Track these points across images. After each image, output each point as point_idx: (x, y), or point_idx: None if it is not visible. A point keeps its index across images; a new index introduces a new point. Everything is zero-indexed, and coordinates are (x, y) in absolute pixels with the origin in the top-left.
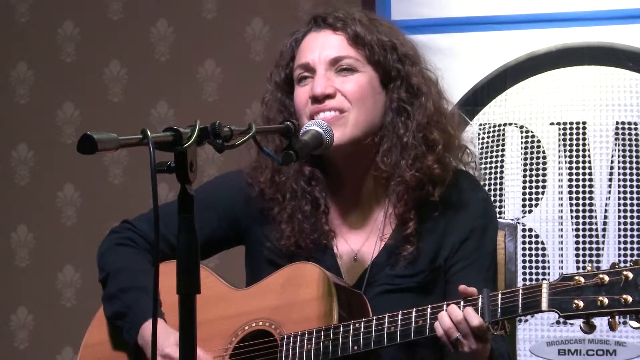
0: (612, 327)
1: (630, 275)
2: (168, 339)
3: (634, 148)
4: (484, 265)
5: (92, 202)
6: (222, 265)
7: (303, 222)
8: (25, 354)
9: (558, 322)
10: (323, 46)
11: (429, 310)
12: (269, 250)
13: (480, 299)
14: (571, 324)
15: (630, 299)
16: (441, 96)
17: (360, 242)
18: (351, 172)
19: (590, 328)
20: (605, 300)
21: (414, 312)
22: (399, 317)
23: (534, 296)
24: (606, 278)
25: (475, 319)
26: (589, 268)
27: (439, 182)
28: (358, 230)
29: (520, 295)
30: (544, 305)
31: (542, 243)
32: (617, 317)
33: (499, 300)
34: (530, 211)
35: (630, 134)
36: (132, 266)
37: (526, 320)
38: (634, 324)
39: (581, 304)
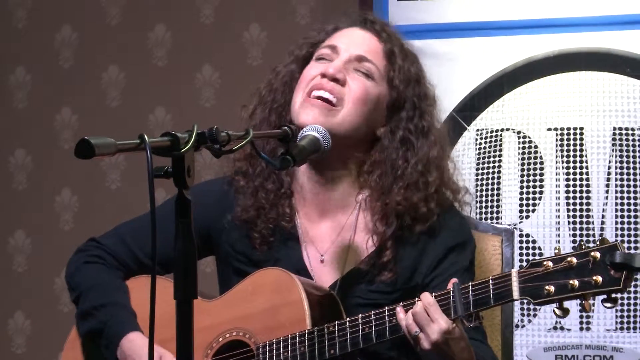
0: (585, 308)
1: (598, 254)
2: (146, 355)
3: (631, 154)
4: (462, 277)
5: (89, 206)
6: (215, 273)
7: (263, 199)
8: (22, 359)
9: (555, 328)
10: (358, 41)
11: (401, 308)
12: (236, 259)
13: (451, 293)
14: (568, 330)
15: (600, 279)
16: (446, 144)
17: (327, 245)
18: (324, 175)
19: (564, 312)
20: (576, 283)
21: (386, 312)
22: (372, 317)
23: (504, 285)
24: (574, 260)
25: (427, 297)
26: (556, 251)
27: (420, 220)
28: (325, 231)
29: (490, 286)
30: (515, 294)
31: (539, 249)
32: (589, 298)
33: (470, 293)
34: (527, 217)
35: (627, 140)
36: (103, 283)
37: (523, 326)
38: (607, 304)
39: (552, 289)
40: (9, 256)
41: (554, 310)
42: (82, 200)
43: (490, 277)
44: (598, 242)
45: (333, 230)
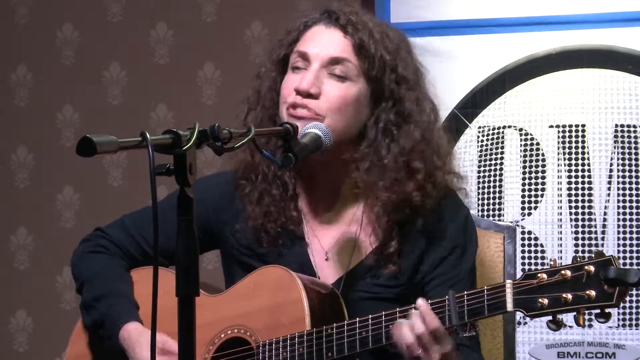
0: (578, 322)
1: (592, 269)
2: (144, 343)
3: (633, 151)
4: (462, 282)
5: (91, 204)
6: (220, 268)
7: (270, 205)
8: (24, 357)
9: None
10: (326, 43)
11: (397, 314)
12: (241, 253)
13: (446, 302)
14: (570, 327)
15: (593, 293)
16: (433, 126)
17: (332, 240)
18: (324, 173)
19: (557, 325)
20: (569, 297)
21: (383, 317)
22: (370, 321)
23: (498, 297)
24: (568, 274)
25: (435, 322)
26: (551, 264)
27: (419, 210)
28: (330, 228)
29: (485, 296)
30: (509, 306)
31: (542, 246)
32: (583, 312)
33: (465, 302)
34: (529, 214)
35: (629, 137)
36: (105, 273)
37: (525, 323)
38: (600, 319)
39: (546, 302)
40: (11, 254)
41: (547, 323)
42: (83, 198)
43: (485, 287)
44: (594, 256)
45: (339, 227)
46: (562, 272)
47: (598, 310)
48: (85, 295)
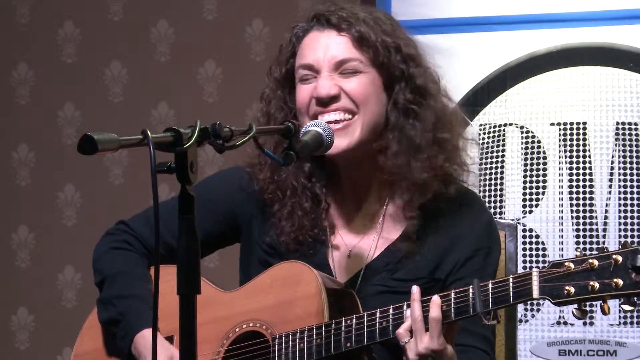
0: (604, 311)
1: (620, 258)
2: (160, 352)
3: (634, 148)
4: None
5: (92, 202)
6: (221, 267)
7: (303, 218)
8: (25, 355)
9: (559, 323)
10: (327, 47)
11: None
12: (262, 250)
13: (470, 289)
14: (571, 324)
15: (621, 282)
16: (445, 95)
17: (356, 240)
18: (351, 172)
19: (582, 314)
20: (596, 285)
21: (405, 306)
22: (390, 311)
23: (524, 284)
24: (596, 263)
25: (435, 311)
26: (578, 253)
27: (451, 180)
28: (355, 227)
29: (511, 284)
30: (535, 293)
31: (543, 243)
32: (608, 301)
33: (490, 290)
34: (530, 211)
35: (630, 135)
36: (129, 272)
37: (527, 321)
38: (626, 307)
39: (572, 289)
40: (12, 252)
41: (572, 312)
42: (85, 196)
43: (511, 276)
44: (621, 246)
45: (363, 225)
46: (590, 260)
47: (624, 299)
48: (105, 291)
